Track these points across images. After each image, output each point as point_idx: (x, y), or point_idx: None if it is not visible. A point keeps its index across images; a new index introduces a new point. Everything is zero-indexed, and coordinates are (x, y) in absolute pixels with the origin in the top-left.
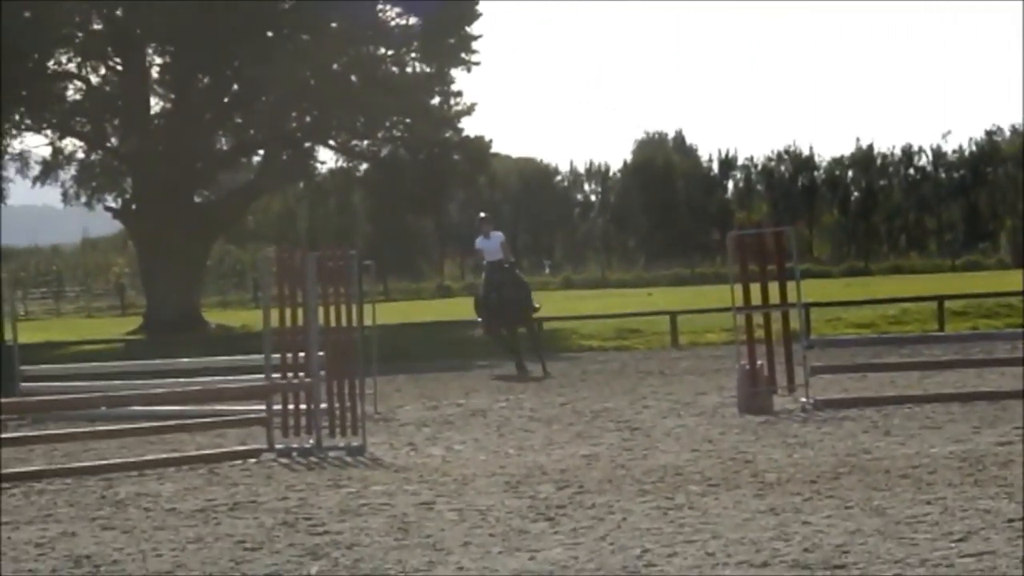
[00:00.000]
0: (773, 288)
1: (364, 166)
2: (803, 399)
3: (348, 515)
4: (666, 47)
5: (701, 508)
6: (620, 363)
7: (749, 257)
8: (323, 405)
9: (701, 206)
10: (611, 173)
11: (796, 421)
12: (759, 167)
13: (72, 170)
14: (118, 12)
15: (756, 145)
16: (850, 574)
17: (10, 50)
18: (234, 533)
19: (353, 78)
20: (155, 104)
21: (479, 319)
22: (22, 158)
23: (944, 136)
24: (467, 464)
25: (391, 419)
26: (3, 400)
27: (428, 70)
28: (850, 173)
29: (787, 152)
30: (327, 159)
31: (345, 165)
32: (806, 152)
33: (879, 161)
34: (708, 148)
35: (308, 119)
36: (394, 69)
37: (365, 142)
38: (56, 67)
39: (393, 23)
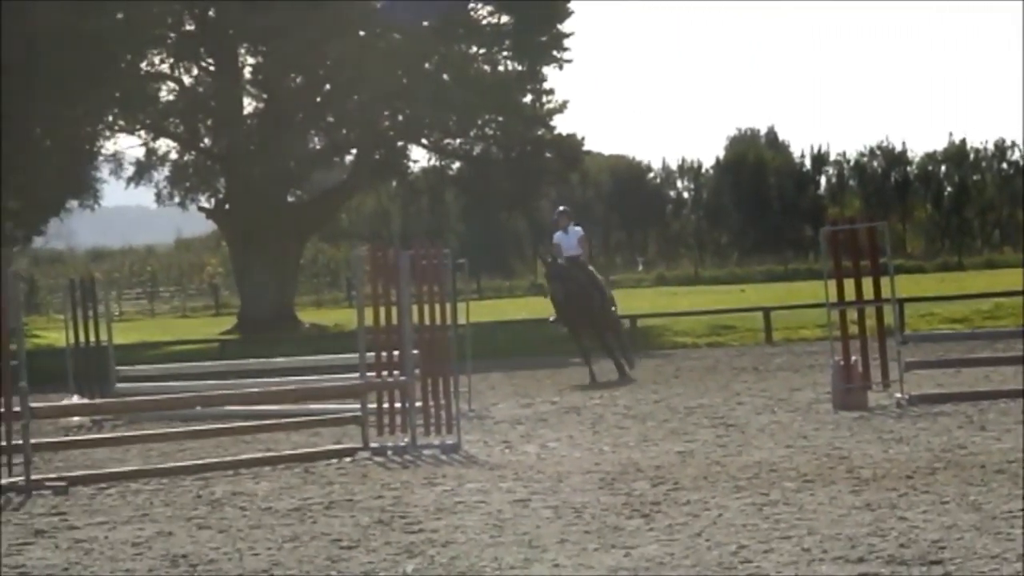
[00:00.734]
0: (867, 284)
1: (456, 164)
2: (897, 395)
3: (443, 513)
4: (759, 43)
5: (796, 504)
6: (714, 359)
7: (842, 253)
8: (417, 403)
9: (793, 202)
10: (703, 170)
11: (891, 417)
12: (851, 163)
13: (165, 171)
14: (210, 13)
15: (848, 141)
16: (946, 570)
17: (103, 51)
18: (330, 531)
19: (445, 77)
20: (248, 104)
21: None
22: (116, 159)
23: None
24: (562, 461)
25: (485, 417)
26: (99, 400)
27: (520, 68)
28: (943, 168)
29: (879, 148)
30: (419, 158)
31: (438, 164)
32: (899, 147)
33: (972, 156)
34: (800, 144)
35: (400, 118)
36: (486, 67)
37: (457, 140)
38: (149, 68)
39: (485, 21)
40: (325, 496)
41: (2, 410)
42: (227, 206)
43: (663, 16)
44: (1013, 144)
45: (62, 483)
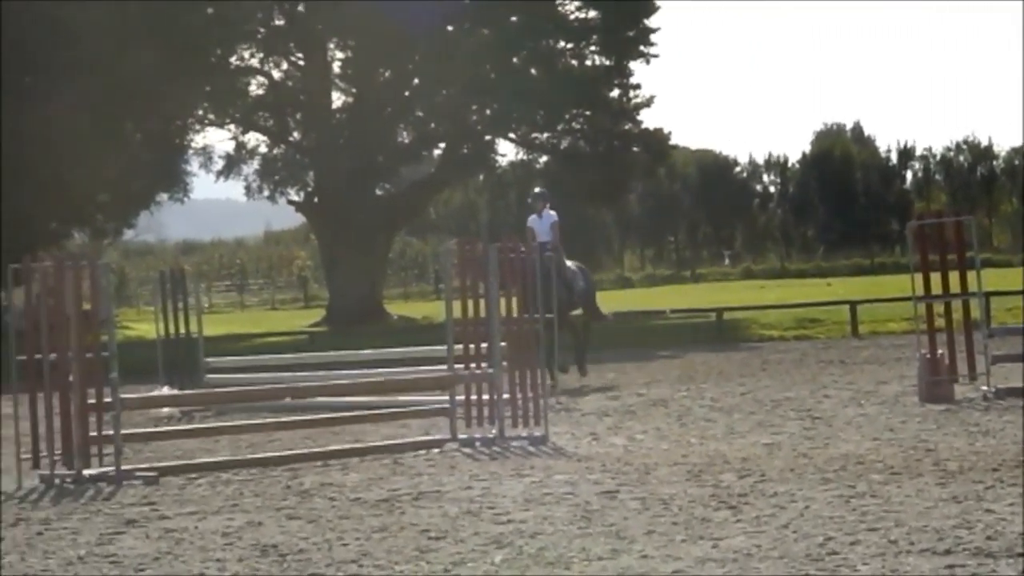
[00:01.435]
0: (953, 277)
1: (544, 159)
2: (984, 388)
3: (532, 504)
4: (846, 37)
5: (883, 496)
6: (800, 352)
7: (929, 247)
8: (505, 395)
9: (880, 196)
10: (790, 164)
11: (977, 409)
12: (938, 157)
13: (255, 164)
14: (300, 8)
15: (935, 135)
16: None
17: (193, 45)
18: (418, 522)
19: (533, 71)
20: (336, 99)
21: None
22: (205, 153)
23: None
24: (649, 453)
25: (572, 409)
26: (189, 392)
27: (607, 63)
28: None
29: (966, 142)
30: (507, 152)
31: (525, 158)
32: (985, 142)
33: None
34: (887, 139)
35: (488, 112)
36: (573, 62)
37: (545, 135)
38: (239, 63)
39: (572, 16)
40: (413, 487)
41: (93, 401)
42: (316, 199)
43: (750, 11)
44: None
45: (152, 473)
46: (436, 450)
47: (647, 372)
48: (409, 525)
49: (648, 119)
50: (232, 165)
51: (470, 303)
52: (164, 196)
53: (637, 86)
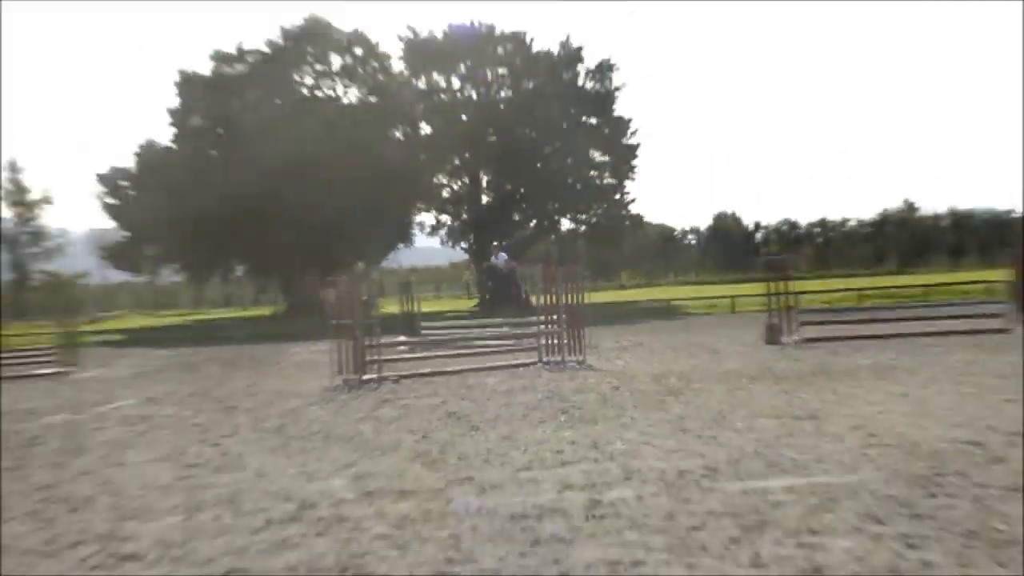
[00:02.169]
0: (783, 286)
1: (583, 228)
2: (795, 338)
3: (577, 392)
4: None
5: (748, 390)
6: (707, 321)
7: (772, 270)
8: (565, 340)
9: (752, 248)
10: (700, 231)
11: (792, 348)
12: (772, 228)
13: (445, 230)
14: (467, 155)
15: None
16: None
17: (416, 174)
18: (524, 401)
19: (578, 186)
20: (485, 198)
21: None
22: (420, 224)
23: None
24: (634, 369)
25: (598, 348)
26: (413, 338)
27: (614, 182)
28: None
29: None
30: (565, 223)
31: (573, 226)
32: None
33: None
34: (751, 219)
35: (557, 205)
36: (597, 181)
37: (582, 216)
38: (438, 181)
39: (597, 159)
40: (520, 385)
41: (368, 343)
42: (474, 247)
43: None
44: None
45: (396, 377)
46: (531, 367)
47: (632, 331)
48: (519, 403)
49: (633, 207)
50: (434, 230)
51: (551, 297)
52: (401, 245)
53: (629, 192)
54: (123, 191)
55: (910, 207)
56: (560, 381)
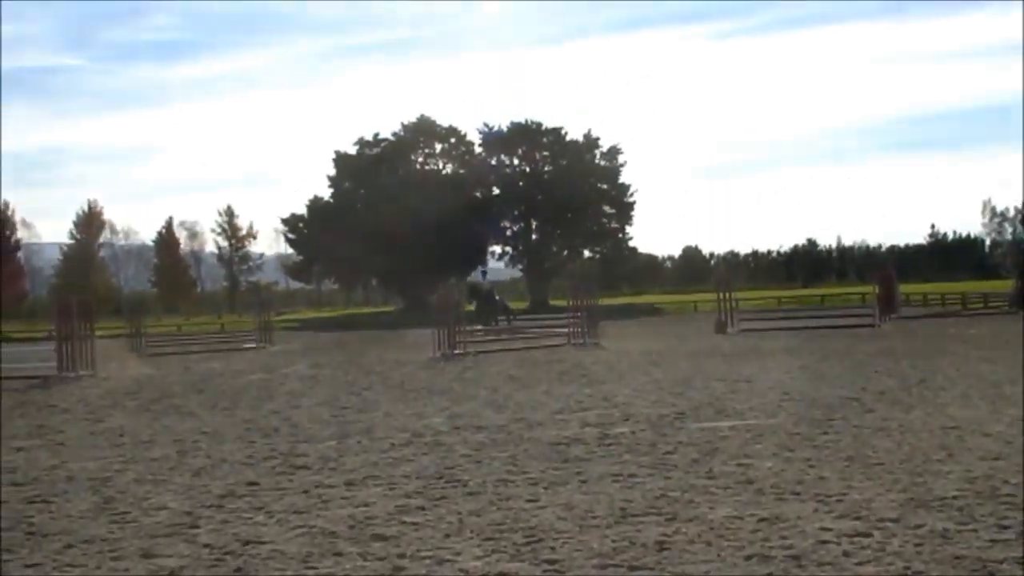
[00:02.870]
0: (731, 294)
1: (588, 254)
2: (737, 329)
3: (594, 365)
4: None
5: (700, 366)
6: (676, 317)
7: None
8: (585, 329)
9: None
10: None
11: (735, 336)
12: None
13: (506, 258)
14: (522, 207)
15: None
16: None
17: (488, 219)
18: (555, 371)
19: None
20: (534, 236)
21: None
22: (492, 252)
23: None
24: (631, 349)
25: (607, 334)
26: (488, 327)
27: (615, 226)
28: None
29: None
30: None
31: (589, 254)
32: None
33: None
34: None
35: (580, 241)
36: (604, 221)
37: (591, 246)
38: (503, 224)
39: (604, 210)
40: (556, 358)
41: (457, 329)
42: (527, 268)
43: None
44: None
45: (475, 352)
46: (562, 347)
47: (631, 324)
48: (555, 372)
49: (631, 242)
50: (500, 257)
51: (575, 302)
52: (479, 266)
53: (628, 232)
54: (299, 229)
55: (811, 243)
56: (581, 356)
